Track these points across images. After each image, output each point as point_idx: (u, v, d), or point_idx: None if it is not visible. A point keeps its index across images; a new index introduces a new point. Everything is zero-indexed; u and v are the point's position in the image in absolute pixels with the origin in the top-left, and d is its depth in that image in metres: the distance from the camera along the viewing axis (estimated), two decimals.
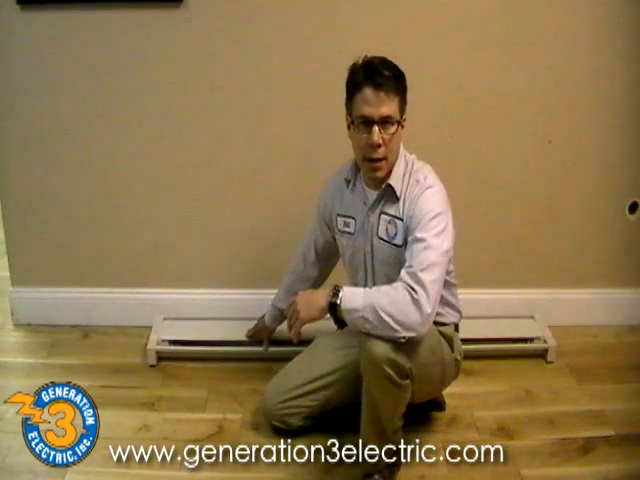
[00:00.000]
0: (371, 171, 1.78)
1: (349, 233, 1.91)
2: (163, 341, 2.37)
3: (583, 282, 2.57)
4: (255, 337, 2.29)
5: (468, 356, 2.28)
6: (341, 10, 2.22)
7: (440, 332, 1.85)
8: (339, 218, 1.94)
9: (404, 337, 1.63)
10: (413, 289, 1.62)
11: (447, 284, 1.80)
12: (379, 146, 1.71)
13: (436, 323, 1.76)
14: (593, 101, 2.34)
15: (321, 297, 1.68)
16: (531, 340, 2.43)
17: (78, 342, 2.47)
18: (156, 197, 2.43)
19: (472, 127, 2.35)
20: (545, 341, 2.39)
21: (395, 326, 1.61)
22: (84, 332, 2.52)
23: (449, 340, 1.89)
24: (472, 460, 1.95)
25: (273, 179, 2.39)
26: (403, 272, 1.67)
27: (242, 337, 2.37)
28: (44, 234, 2.47)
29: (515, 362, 2.38)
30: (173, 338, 2.38)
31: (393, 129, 1.71)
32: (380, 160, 1.74)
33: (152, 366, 2.34)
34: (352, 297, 1.65)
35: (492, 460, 1.95)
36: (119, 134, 2.35)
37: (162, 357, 2.35)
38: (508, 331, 2.43)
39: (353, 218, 1.90)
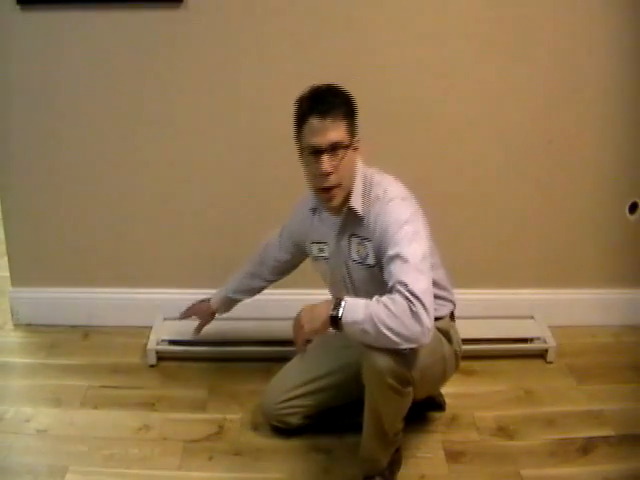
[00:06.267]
0: (326, 201, 1.76)
1: (325, 258, 1.92)
2: (163, 341, 2.37)
3: (583, 282, 2.56)
4: (190, 316, 2.26)
5: (468, 356, 2.28)
6: (341, 10, 2.22)
7: (437, 328, 1.83)
8: (313, 245, 1.94)
9: (405, 348, 1.62)
10: (410, 301, 1.59)
11: (433, 280, 1.75)
12: (330, 174, 1.70)
13: None
14: (593, 101, 2.34)
15: (323, 310, 1.66)
16: (531, 340, 2.43)
17: (78, 342, 2.48)
18: (157, 197, 2.43)
19: (472, 127, 2.35)
20: (545, 341, 2.39)
21: (396, 339, 1.59)
22: (84, 332, 2.52)
23: (446, 334, 1.88)
24: (472, 460, 1.96)
25: (275, 182, 2.39)
26: (394, 287, 1.63)
27: (243, 337, 2.37)
28: (44, 234, 2.47)
29: (515, 362, 2.38)
30: (173, 338, 2.38)
31: (341, 154, 1.70)
32: (333, 188, 1.72)
33: (152, 366, 2.34)
34: (353, 309, 1.62)
35: (492, 460, 1.96)
36: (118, 134, 2.35)
37: (162, 357, 2.36)
38: (508, 331, 2.43)
39: (326, 243, 1.90)
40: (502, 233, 2.49)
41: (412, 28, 2.24)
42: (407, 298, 1.58)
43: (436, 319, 1.82)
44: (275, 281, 2.17)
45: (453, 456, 1.97)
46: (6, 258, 2.53)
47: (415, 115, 2.34)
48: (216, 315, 2.25)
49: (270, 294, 2.25)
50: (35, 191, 2.42)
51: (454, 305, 1.96)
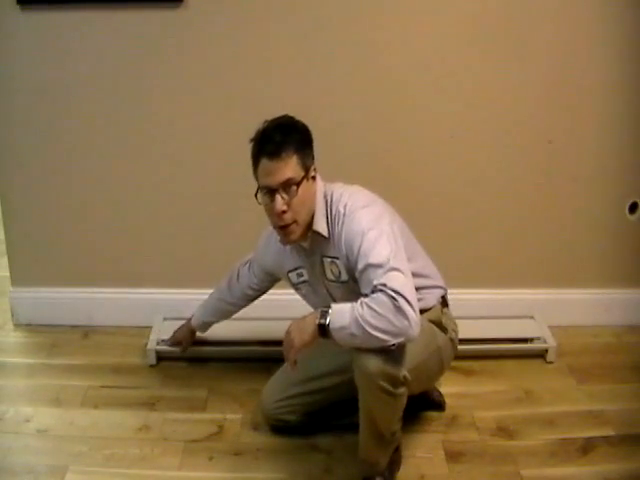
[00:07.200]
0: (283, 237, 1.79)
1: (305, 281, 1.93)
2: (163, 341, 2.36)
3: (583, 282, 2.56)
4: (178, 342, 2.32)
5: (468, 356, 2.29)
6: (342, 10, 2.22)
7: (428, 320, 1.82)
8: (291, 273, 1.95)
9: (394, 344, 1.62)
10: (392, 297, 1.59)
11: (413, 272, 1.74)
12: (284, 212, 1.72)
13: (420, 311, 1.69)
14: (593, 101, 2.34)
15: (311, 320, 1.67)
16: (531, 340, 2.43)
17: (78, 342, 2.47)
18: (156, 197, 2.43)
19: (472, 127, 2.35)
20: (545, 341, 2.39)
21: (384, 337, 1.59)
22: (84, 332, 2.52)
23: (438, 324, 1.87)
24: (472, 460, 1.96)
25: None
26: (374, 291, 1.63)
27: (242, 337, 2.37)
28: (44, 234, 2.47)
29: (515, 362, 2.38)
30: None
31: (294, 190, 1.71)
32: (289, 225, 1.74)
33: (152, 366, 2.34)
34: (340, 314, 1.63)
35: (492, 460, 1.96)
36: (118, 134, 2.35)
37: (162, 357, 2.36)
38: (508, 331, 2.43)
39: (303, 267, 1.91)
40: (502, 233, 2.49)
41: (413, 28, 2.24)
42: (389, 295, 1.59)
43: (425, 310, 1.82)
44: (246, 306, 2.21)
45: (453, 456, 1.97)
46: (6, 258, 2.53)
47: (414, 115, 2.34)
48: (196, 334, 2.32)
49: (270, 294, 2.25)
50: (35, 191, 2.42)
51: (444, 289, 1.95)
